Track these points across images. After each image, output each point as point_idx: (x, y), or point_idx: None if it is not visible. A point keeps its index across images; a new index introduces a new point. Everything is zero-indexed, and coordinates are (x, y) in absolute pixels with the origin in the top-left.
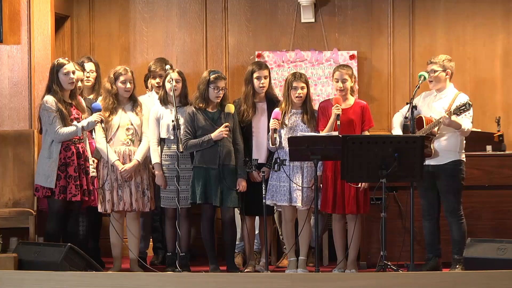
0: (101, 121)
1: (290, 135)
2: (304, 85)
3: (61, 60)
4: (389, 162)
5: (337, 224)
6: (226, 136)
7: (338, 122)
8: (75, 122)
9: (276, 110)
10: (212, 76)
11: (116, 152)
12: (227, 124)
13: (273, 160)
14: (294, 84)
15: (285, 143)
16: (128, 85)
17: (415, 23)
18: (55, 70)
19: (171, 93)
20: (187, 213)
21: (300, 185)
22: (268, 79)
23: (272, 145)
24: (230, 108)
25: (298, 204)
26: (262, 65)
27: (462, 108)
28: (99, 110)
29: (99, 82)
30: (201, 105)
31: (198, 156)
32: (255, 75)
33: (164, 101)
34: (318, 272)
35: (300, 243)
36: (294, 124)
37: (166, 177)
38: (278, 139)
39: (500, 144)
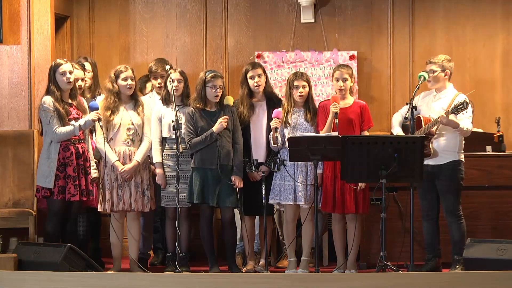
0: (99, 120)
1: (293, 134)
2: (305, 83)
3: (58, 61)
4: (389, 162)
5: (337, 225)
6: (226, 125)
7: (336, 120)
8: (72, 122)
9: (277, 109)
10: (208, 76)
11: (116, 152)
12: (226, 116)
13: (273, 160)
14: (296, 83)
15: None
16: (130, 82)
17: (415, 24)
18: (52, 70)
19: (172, 94)
20: (187, 213)
21: (305, 183)
22: (263, 78)
23: (274, 144)
24: (229, 100)
25: (303, 202)
26: (255, 65)
27: (460, 107)
28: (97, 109)
29: (96, 81)
30: (199, 105)
31: (197, 157)
32: (249, 75)
33: (166, 101)
34: (318, 273)
35: (303, 242)
36: (297, 123)
37: (167, 176)
38: (280, 138)
39: (500, 145)
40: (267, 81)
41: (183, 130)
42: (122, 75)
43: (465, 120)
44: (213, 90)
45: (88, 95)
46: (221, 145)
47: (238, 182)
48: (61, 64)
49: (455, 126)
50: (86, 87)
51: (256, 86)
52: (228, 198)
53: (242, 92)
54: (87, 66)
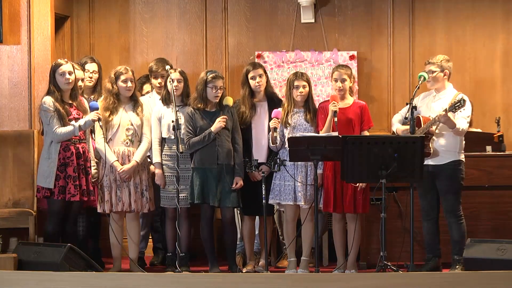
0: (99, 120)
1: (293, 135)
2: (305, 83)
3: (58, 61)
4: (389, 162)
5: (337, 225)
6: (224, 125)
7: (336, 119)
8: (72, 122)
9: (276, 109)
10: (209, 76)
11: (115, 153)
12: (224, 116)
13: (273, 160)
14: (296, 83)
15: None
16: (129, 84)
17: (415, 23)
18: (52, 70)
19: (172, 94)
20: (187, 213)
21: (304, 183)
22: (264, 78)
23: (272, 144)
24: (228, 100)
25: (302, 202)
26: (256, 65)
27: (457, 104)
28: (97, 109)
29: (100, 83)
30: (200, 105)
31: (197, 157)
32: (250, 75)
33: (166, 101)
34: (318, 273)
35: (303, 242)
36: (297, 123)
37: (166, 176)
38: (278, 138)
39: (500, 145)
40: (268, 81)
41: (183, 130)
42: (122, 77)
43: (461, 120)
44: (214, 91)
45: (92, 96)
46: (220, 145)
47: (239, 184)
48: (61, 65)
49: (451, 126)
50: (86, 88)
51: (257, 86)
52: (228, 198)
53: (243, 92)
54: (94, 67)
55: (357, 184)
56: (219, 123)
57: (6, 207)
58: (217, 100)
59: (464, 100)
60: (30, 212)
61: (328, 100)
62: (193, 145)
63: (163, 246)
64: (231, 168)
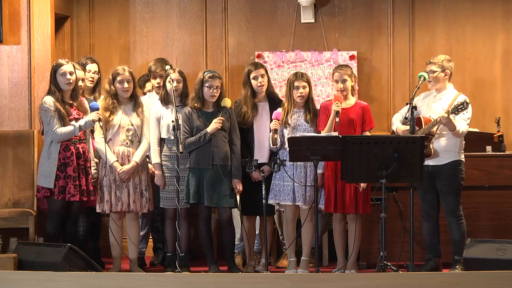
0: (99, 120)
1: (293, 135)
2: (305, 84)
3: (59, 61)
4: (389, 162)
5: (338, 225)
6: (220, 126)
7: (337, 119)
8: (73, 122)
9: (277, 110)
10: (206, 75)
11: (115, 153)
12: (221, 117)
13: (273, 160)
14: (296, 84)
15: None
16: (126, 85)
17: (415, 23)
18: (53, 70)
19: (172, 94)
20: (186, 214)
21: (304, 183)
22: (266, 78)
23: (273, 145)
24: (227, 102)
25: (301, 203)
26: (258, 65)
27: (460, 107)
28: (97, 109)
29: (100, 83)
30: (197, 104)
31: (193, 158)
32: (252, 75)
33: (165, 101)
34: (318, 273)
35: (303, 243)
36: (297, 124)
37: (165, 177)
38: (279, 139)
39: (500, 145)
40: (269, 81)
41: (181, 130)
42: (119, 78)
43: (461, 123)
44: (211, 90)
45: (92, 97)
46: (216, 145)
47: (238, 185)
48: (62, 65)
49: (452, 128)
50: (89, 88)
51: (259, 86)
52: (225, 198)
53: (245, 92)
54: (94, 67)
55: (360, 184)
56: (215, 124)
57: (6, 207)
58: (214, 100)
59: (467, 103)
60: (30, 212)
61: (330, 100)
62: (189, 145)
63: (163, 246)
64: (227, 169)
